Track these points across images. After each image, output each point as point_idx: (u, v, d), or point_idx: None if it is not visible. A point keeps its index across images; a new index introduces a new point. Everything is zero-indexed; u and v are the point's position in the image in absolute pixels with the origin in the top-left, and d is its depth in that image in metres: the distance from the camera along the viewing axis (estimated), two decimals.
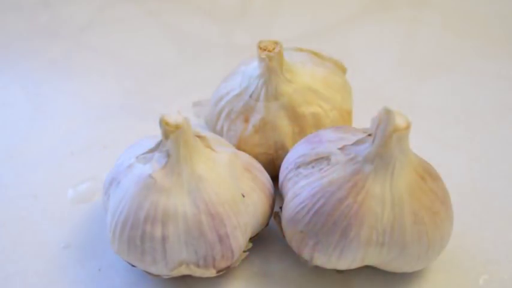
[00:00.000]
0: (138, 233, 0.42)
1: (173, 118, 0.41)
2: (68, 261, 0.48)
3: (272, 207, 0.47)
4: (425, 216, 0.42)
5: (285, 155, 0.47)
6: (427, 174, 0.43)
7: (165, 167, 0.42)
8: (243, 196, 0.44)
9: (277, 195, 0.48)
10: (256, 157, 0.49)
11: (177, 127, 0.41)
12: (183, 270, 0.43)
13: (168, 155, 0.42)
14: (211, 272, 0.43)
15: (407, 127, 0.40)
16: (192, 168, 0.42)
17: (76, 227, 0.50)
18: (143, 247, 0.42)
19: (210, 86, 0.58)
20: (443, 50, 0.74)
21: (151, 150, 0.44)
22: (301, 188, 0.44)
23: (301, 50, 0.55)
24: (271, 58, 0.48)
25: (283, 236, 0.45)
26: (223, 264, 0.43)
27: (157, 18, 0.81)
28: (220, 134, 0.52)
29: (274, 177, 0.49)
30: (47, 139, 0.60)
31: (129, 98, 0.66)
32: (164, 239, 0.41)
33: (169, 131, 0.41)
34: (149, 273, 0.44)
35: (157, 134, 0.44)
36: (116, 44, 0.76)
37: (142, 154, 0.44)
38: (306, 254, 0.44)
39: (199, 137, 0.44)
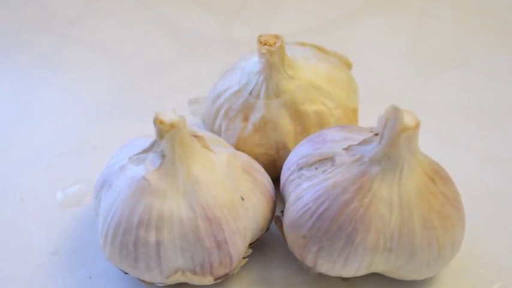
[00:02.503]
0: (131, 239, 0.41)
1: (168, 117, 0.41)
2: (57, 268, 0.48)
3: (273, 210, 0.47)
4: (435, 221, 0.42)
5: (287, 155, 0.47)
6: (437, 175, 0.43)
7: (160, 169, 0.42)
8: (242, 199, 0.44)
9: (278, 198, 0.48)
10: (256, 158, 0.49)
11: (172, 126, 0.41)
12: (179, 278, 0.43)
13: (163, 156, 0.42)
14: (209, 280, 0.43)
15: (416, 126, 0.40)
16: (188, 170, 0.42)
17: (65, 232, 0.50)
18: (136, 253, 0.42)
19: (208, 82, 0.58)
20: (454, 44, 0.73)
21: (145, 151, 0.44)
22: (303, 190, 0.43)
23: (303, 44, 0.55)
24: (272, 53, 0.48)
25: (285, 242, 0.45)
26: (221, 272, 0.43)
27: (152, 11, 0.80)
28: (218, 133, 0.52)
29: (275, 179, 0.48)
30: (34, 139, 0.60)
31: (121, 96, 0.66)
32: (159, 244, 0.41)
33: (164, 130, 0.41)
34: (143, 281, 0.44)
35: (151, 133, 0.44)
36: (108, 38, 0.75)
37: (136, 155, 0.44)
38: (308, 260, 0.43)
39: (195, 136, 0.44)
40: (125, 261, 0.42)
